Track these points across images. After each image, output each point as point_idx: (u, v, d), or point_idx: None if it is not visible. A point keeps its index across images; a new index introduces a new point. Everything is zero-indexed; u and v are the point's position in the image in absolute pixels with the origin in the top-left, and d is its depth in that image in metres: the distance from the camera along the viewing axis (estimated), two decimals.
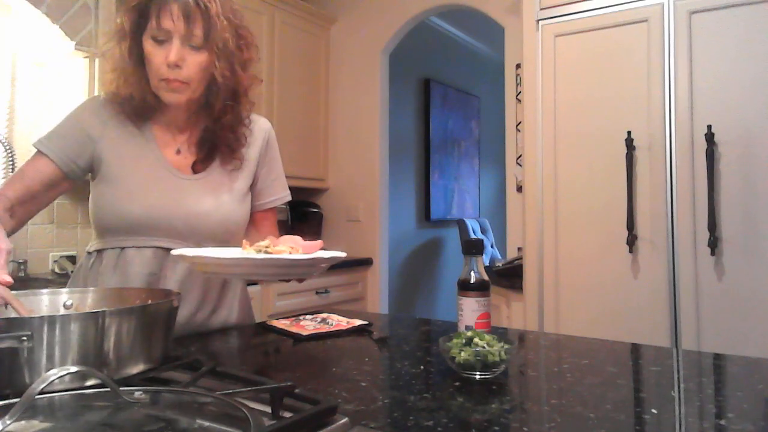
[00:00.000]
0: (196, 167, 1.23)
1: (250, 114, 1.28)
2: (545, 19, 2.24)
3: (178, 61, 1.09)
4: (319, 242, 1.06)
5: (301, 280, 1.06)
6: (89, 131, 1.19)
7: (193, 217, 1.19)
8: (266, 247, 0.98)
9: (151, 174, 1.19)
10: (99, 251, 1.20)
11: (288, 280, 1.07)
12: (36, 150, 1.17)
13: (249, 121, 1.28)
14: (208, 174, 1.23)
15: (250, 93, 1.23)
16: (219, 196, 1.22)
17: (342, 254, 1.03)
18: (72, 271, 2.47)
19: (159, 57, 1.10)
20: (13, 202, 1.11)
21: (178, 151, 1.23)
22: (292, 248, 1.00)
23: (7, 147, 2.32)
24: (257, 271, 0.97)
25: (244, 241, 1.02)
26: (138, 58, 1.13)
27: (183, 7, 1.08)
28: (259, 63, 1.25)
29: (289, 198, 1.39)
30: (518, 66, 2.94)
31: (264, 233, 1.32)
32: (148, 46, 1.11)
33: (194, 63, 1.11)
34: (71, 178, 1.19)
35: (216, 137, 1.23)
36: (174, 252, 1.00)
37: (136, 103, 1.17)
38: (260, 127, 1.32)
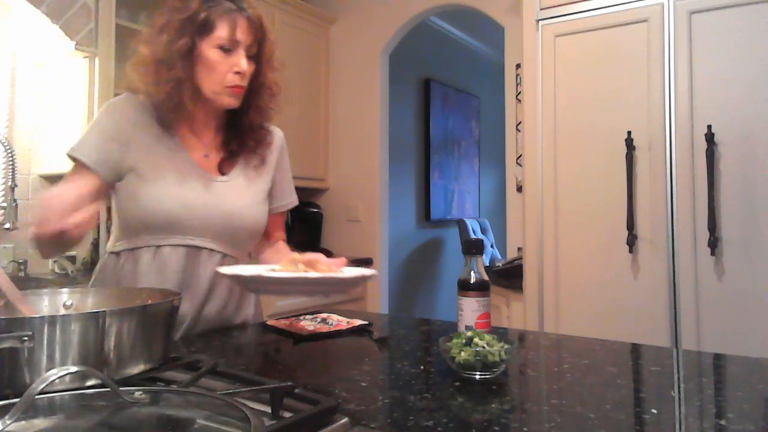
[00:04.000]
0: (223, 168, 1.28)
1: (271, 119, 1.36)
2: (545, 19, 2.24)
3: (247, 71, 1.19)
4: (342, 259, 1.11)
5: (327, 296, 1.15)
6: (119, 134, 1.20)
7: (228, 216, 1.23)
8: (301, 262, 1.05)
9: (183, 175, 1.21)
10: (131, 250, 1.21)
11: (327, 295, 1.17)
12: (72, 160, 1.18)
13: (269, 126, 1.36)
14: (234, 176, 1.28)
15: (277, 99, 1.32)
16: (247, 197, 1.28)
17: (373, 272, 1.11)
18: (72, 272, 2.48)
19: (225, 65, 1.17)
20: (75, 207, 1.10)
21: (206, 155, 1.27)
22: (327, 266, 1.06)
23: (7, 147, 2.33)
24: (307, 289, 1.05)
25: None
26: (188, 62, 1.16)
27: (250, 21, 1.19)
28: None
29: (296, 203, 1.46)
30: (518, 66, 2.94)
31: (275, 236, 1.41)
32: (214, 54, 1.16)
33: (249, 72, 1.22)
34: (106, 181, 1.19)
35: (241, 139, 1.29)
36: (222, 270, 1.07)
37: (170, 105, 1.18)
38: (277, 135, 1.42)
